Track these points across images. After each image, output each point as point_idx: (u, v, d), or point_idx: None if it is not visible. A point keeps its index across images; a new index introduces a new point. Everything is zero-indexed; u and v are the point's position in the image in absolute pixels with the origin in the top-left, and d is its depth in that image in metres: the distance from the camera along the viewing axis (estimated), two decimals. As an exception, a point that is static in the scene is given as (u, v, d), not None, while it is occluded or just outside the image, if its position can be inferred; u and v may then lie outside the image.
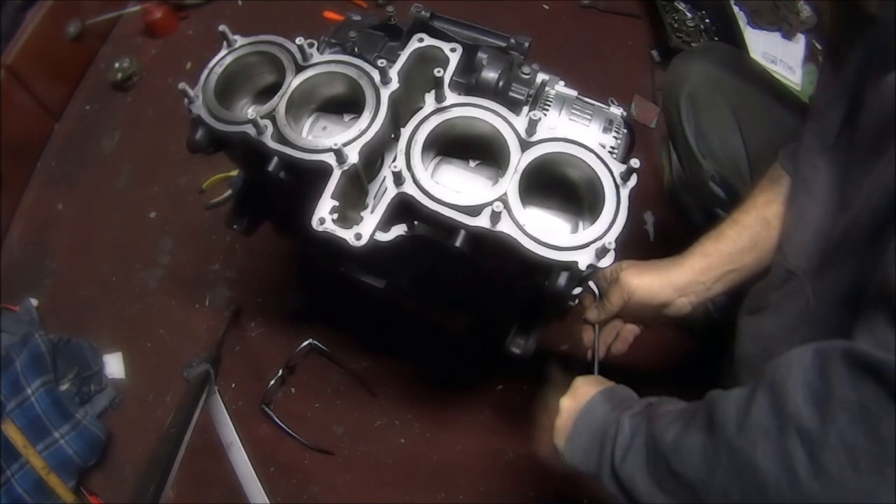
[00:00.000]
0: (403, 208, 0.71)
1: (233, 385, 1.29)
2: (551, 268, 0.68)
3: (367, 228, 0.70)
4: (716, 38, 1.78)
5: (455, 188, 0.72)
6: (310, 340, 1.28)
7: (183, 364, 1.10)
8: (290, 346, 1.29)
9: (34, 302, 1.33)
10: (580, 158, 0.69)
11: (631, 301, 0.82)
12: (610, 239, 0.65)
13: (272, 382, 1.25)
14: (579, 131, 0.87)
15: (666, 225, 1.49)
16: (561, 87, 0.93)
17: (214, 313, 1.36)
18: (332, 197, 0.69)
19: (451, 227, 0.69)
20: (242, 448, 0.99)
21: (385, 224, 0.73)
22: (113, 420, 1.26)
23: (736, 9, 1.83)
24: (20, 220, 1.47)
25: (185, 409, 0.86)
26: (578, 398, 0.71)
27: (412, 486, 1.23)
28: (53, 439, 1.16)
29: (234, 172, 1.46)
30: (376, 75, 0.74)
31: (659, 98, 1.68)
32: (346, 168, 0.70)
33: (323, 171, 0.71)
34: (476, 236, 0.68)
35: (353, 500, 1.22)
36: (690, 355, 1.33)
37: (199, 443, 1.09)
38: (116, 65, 1.60)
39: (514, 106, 0.87)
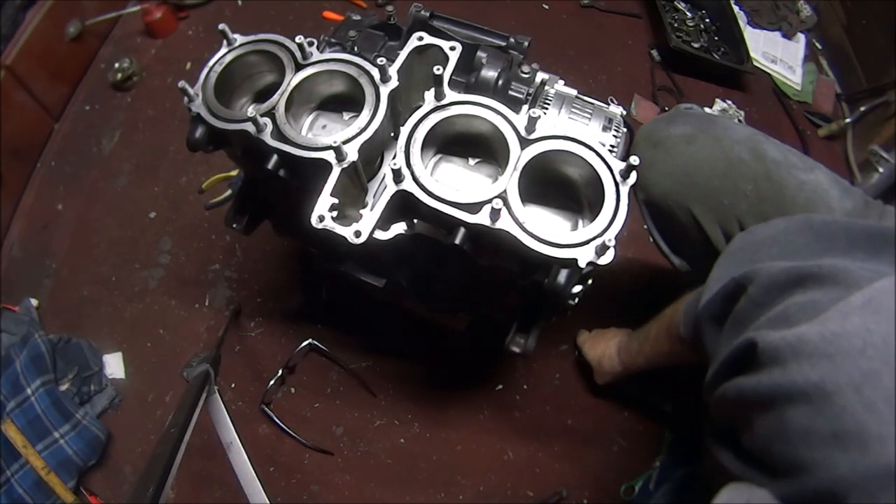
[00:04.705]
0: (403, 206, 0.71)
1: (233, 385, 1.29)
2: (551, 265, 0.67)
3: (366, 226, 0.69)
4: (716, 38, 1.78)
5: (455, 186, 0.72)
6: (310, 340, 1.28)
7: (183, 364, 1.10)
8: (290, 346, 1.29)
9: (34, 302, 1.33)
10: (580, 156, 0.68)
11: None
12: (610, 236, 0.65)
13: (272, 382, 1.25)
14: (579, 129, 0.87)
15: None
16: (560, 86, 0.93)
17: (214, 313, 1.36)
18: (332, 194, 0.69)
19: (450, 225, 0.69)
20: (242, 448, 0.99)
21: (384, 222, 0.73)
22: (113, 420, 1.26)
23: (736, 8, 1.83)
24: (20, 220, 1.47)
25: (185, 409, 0.86)
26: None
27: (412, 486, 1.23)
28: (53, 439, 1.16)
29: (234, 172, 1.46)
30: (376, 73, 0.74)
31: (659, 98, 1.68)
32: (345, 165, 0.70)
33: (322, 169, 0.71)
34: (476, 234, 0.68)
35: (353, 500, 1.21)
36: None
37: (199, 443, 1.10)
38: (116, 65, 1.60)
39: (514, 104, 0.87)
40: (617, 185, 0.67)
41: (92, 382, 1.26)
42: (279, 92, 0.76)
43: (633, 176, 0.67)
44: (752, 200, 0.83)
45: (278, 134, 0.74)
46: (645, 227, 0.97)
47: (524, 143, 0.70)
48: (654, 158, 0.89)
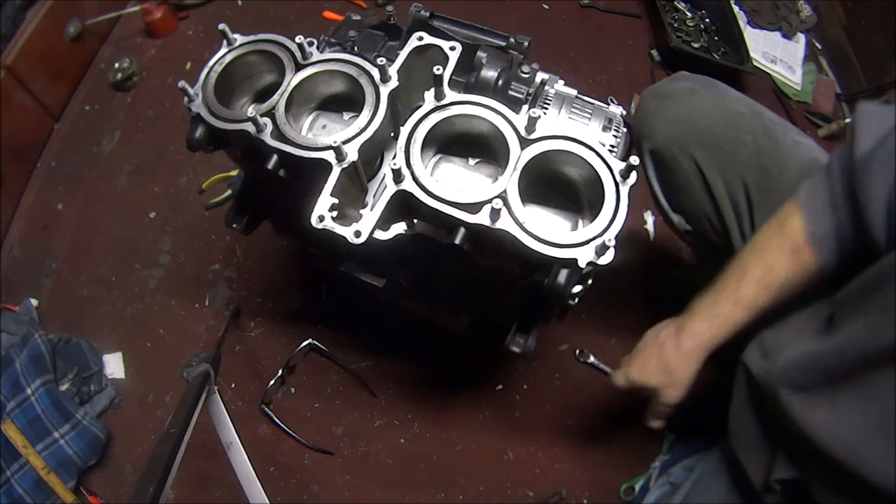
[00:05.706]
0: (403, 206, 0.71)
1: (233, 385, 1.29)
2: (551, 265, 0.67)
3: (366, 226, 0.69)
4: (716, 38, 1.78)
5: (455, 186, 0.72)
6: (310, 340, 1.28)
7: (183, 364, 1.10)
8: (290, 346, 1.29)
9: (34, 302, 1.33)
10: (580, 156, 0.68)
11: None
12: (610, 236, 0.65)
13: (272, 382, 1.25)
14: (579, 129, 0.87)
15: (666, 225, 1.48)
16: (560, 86, 0.93)
17: (214, 313, 1.36)
18: (332, 194, 0.69)
19: (450, 225, 0.69)
20: (242, 448, 0.99)
21: (384, 222, 0.73)
22: (113, 420, 1.26)
23: (736, 8, 1.83)
24: (20, 220, 1.47)
25: (185, 409, 0.86)
26: None
27: (412, 486, 1.23)
28: (53, 439, 1.16)
29: (234, 172, 1.46)
30: (376, 73, 0.74)
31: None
32: (345, 165, 0.70)
33: (322, 169, 0.71)
34: (476, 234, 0.68)
35: (353, 500, 1.21)
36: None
37: (199, 443, 1.10)
38: (116, 65, 1.60)
39: (514, 104, 0.87)
40: (617, 185, 0.67)
41: (92, 382, 1.26)
42: (279, 92, 0.76)
43: (633, 176, 0.67)
44: (751, 150, 0.86)
45: (278, 134, 0.73)
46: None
47: (524, 143, 0.70)
48: (660, 107, 0.93)
